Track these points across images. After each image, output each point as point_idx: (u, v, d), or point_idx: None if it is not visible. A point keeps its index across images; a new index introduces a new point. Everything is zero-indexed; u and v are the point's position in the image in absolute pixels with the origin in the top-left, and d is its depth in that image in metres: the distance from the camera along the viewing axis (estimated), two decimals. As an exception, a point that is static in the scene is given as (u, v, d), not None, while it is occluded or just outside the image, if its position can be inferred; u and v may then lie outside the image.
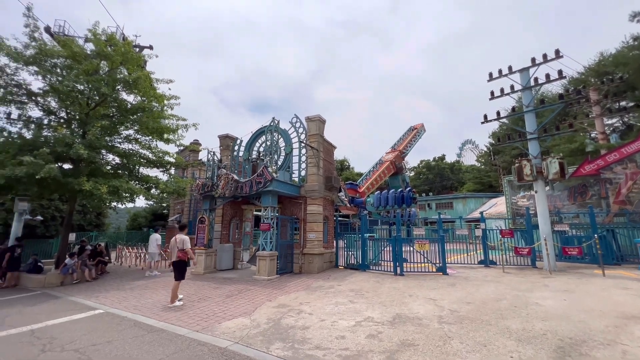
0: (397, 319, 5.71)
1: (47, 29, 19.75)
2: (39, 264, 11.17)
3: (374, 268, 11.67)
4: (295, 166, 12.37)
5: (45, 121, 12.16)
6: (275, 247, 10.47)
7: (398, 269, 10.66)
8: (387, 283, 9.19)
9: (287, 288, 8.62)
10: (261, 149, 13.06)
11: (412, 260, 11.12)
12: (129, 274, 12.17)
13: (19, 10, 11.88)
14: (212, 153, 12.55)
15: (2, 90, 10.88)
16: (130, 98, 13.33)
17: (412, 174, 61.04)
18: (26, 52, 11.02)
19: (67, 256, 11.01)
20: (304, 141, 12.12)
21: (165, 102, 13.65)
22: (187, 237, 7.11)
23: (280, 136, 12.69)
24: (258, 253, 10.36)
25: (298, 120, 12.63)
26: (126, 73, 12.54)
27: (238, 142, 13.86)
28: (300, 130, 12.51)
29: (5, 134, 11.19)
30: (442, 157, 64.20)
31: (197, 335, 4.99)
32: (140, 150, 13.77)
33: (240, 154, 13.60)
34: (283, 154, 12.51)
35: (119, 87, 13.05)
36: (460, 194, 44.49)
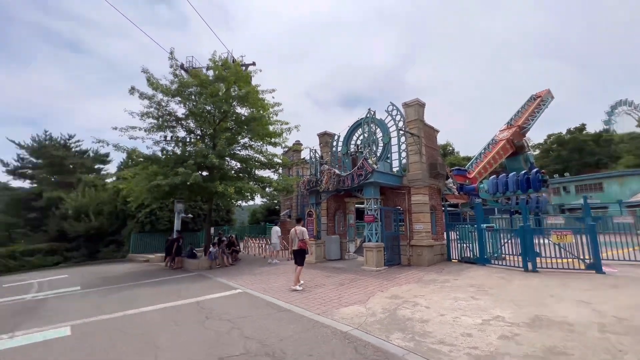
0: (537, 321, 4.85)
1: (182, 66, 24.79)
2: (194, 251, 14.21)
3: (496, 262, 10.25)
4: (395, 155, 11.97)
5: (188, 139, 15.27)
6: (380, 239, 10.41)
7: (529, 264, 9.05)
8: (516, 280, 7.93)
9: (397, 280, 8.45)
10: (359, 142, 13.16)
11: (546, 255, 9.26)
12: (254, 262, 14.21)
13: (158, 53, 15.24)
14: (313, 151, 13.37)
15: (160, 119, 14.14)
16: (242, 111, 15.37)
17: (537, 152, 50.74)
18: (172, 87, 13.99)
19: (211, 246, 13.66)
20: (403, 129, 11.58)
21: (270, 109, 15.26)
22: (305, 229, 7.89)
23: (377, 127, 12.49)
24: (364, 244, 10.51)
25: (394, 107, 12.16)
26: (238, 90, 14.55)
27: (336, 137, 14.34)
28: (398, 117, 12.01)
29: (164, 152, 14.54)
30: (581, 128, 50.85)
31: (318, 318, 5.42)
32: (255, 155, 15.85)
33: (339, 148, 14.04)
34: (381, 144, 12.28)
35: (234, 103, 15.28)
36: (613, 171, 34.60)
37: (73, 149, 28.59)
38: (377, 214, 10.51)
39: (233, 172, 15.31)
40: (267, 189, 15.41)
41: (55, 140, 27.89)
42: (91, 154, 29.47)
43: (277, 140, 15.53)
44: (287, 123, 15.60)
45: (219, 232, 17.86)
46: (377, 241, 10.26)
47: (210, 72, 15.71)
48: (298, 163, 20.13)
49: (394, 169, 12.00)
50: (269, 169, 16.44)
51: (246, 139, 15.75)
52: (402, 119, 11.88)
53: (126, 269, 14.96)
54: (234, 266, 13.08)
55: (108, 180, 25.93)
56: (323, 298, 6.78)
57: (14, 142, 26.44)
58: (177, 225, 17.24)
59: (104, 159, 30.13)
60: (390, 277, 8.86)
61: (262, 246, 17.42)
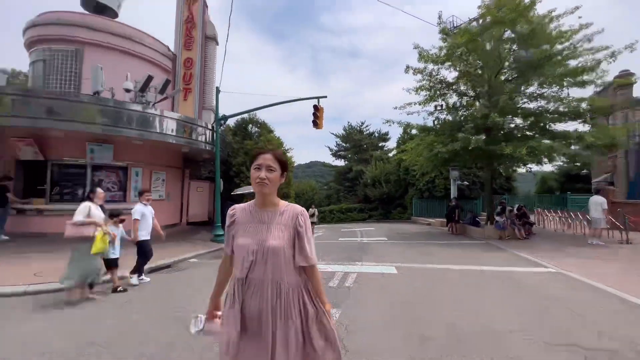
0: None
1: (443, 30, 24.04)
2: (477, 219, 13.70)
3: None
4: None
5: (458, 103, 14.56)
6: None
7: None
8: None
9: None
10: None
11: None
12: (558, 239, 11.41)
13: (410, 31, 15.17)
14: (674, 76, 8.22)
15: (432, 90, 14.38)
16: (526, 54, 12.28)
17: None
18: (440, 54, 13.70)
19: (495, 215, 12.48)
20: None
21: (574, 36, 11.17)
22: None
23: None
24: None
25: None
26: (520, 29, 11.75)
27: None
28: None
29: (438, 121, 14.69)
30: None
31: None
32: (548, 106, 12.41)
33: None
34: None
35: (514, 46, 12.63)
36: None
37: (365, 132, 36.85)
38: None
39: (516, 130, 12.96)
40: (572, 147, 11.66)
41: (354, 128, 37.21)
42: (376, 135, 36.58)
43: (587, 77, 11.24)
44: (605, 48, 10.81)
45: (500, 200, 16.02)
46: None
47: (475, 24, 13.88)
48: (628, 104, 13.47)
49: None
50: (574, 120, 12.30)
51: (532, 88, 12.68)
52: None
53: (413, 228, 17.28)
54: (529, 240, 11.20)
55: (390, 154, 31.11)
56: None
57: (333, 134, 38.31)
58: (453, 192, 17.49)
59: (384, 137, 36.41)
60: None
61: (564, 220, 13.69)
